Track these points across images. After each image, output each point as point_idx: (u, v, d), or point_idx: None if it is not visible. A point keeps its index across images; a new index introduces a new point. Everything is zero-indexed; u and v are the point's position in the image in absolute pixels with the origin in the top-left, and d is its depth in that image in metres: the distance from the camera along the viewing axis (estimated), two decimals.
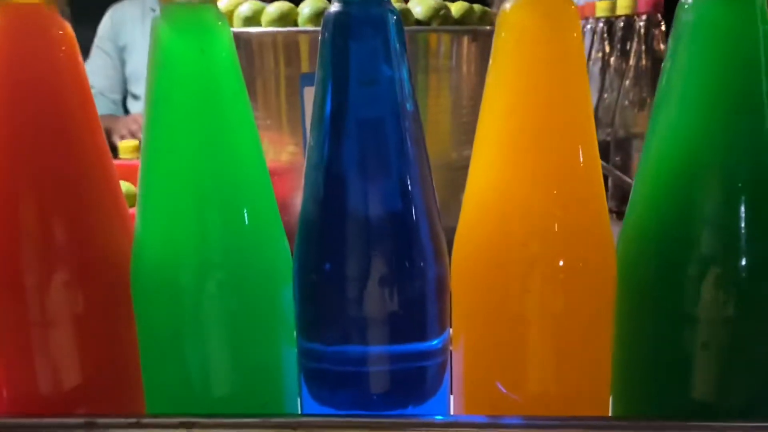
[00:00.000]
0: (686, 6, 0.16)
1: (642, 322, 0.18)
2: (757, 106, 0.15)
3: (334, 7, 0.16)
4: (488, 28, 0.37)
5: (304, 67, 0.34)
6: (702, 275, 0.16)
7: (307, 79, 0.32)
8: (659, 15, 0.47)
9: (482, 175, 0.17)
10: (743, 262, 0.15)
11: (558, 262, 0.16)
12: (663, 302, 0.17)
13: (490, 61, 0.17)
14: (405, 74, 0.16)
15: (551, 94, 0.16)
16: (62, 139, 0.16)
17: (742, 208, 0.15)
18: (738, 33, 0.16)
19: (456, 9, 0.36)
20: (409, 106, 0.17)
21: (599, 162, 0.17)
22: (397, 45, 0.16)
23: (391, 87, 0.16)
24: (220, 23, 0.16)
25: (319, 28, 0.16)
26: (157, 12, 0.17)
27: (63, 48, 0.16)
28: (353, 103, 0.16)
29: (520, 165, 0.17)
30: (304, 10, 0.34)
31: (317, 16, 0.34)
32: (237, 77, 0.17)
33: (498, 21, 0.17)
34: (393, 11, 0.16)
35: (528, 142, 0.16)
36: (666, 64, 0.17)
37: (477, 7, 0.38)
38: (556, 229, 0.16)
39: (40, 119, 0.16)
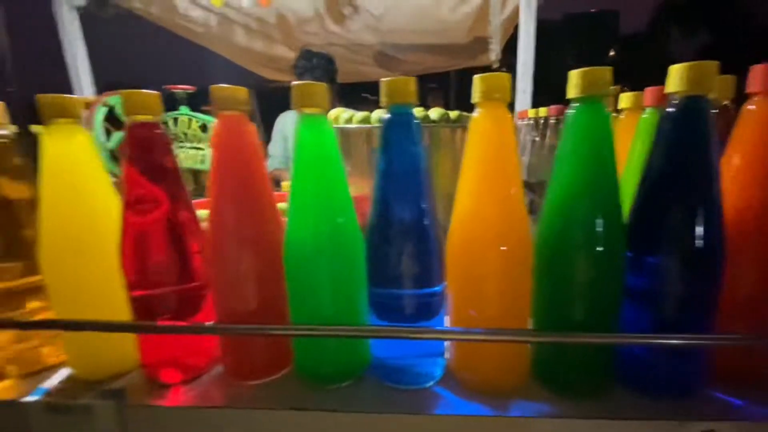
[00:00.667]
0: (567, 113, 0.32)
1: (541, 279, 0.34)
2: (598, 174, 0.31)
3: (385, 116, 0.33)
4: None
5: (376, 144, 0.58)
6: (565, 253, 0.32)
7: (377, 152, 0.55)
8: (562, 117, 0.82)
9: (460, 203, 0.34)
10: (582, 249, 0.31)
11: (500, 247, 0.32)
12: (551, 268, 0.33)
13: (467, 143, 0.33)
14: (422, 149, 0.33)
15: (499, 160, 0.32)
16: (255, 187, 0.34)
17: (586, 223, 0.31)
18: (589, 129, 0.31)
19: (452, 115, 0.64)
20: (424, 165, 0.33)
21: (522, 194, 0.33)
22: (418, 135, 0.32)
23: (416, 155, 0.33)
24: (329, 125, 0.33)
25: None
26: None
27: (253, 141, 0.33)
28: (396, 163, 0.33)
29: (480, 197, 0.33)
30: (374, 115, 0.63)
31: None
32: (336, 153, 0.33)
33: (470, 122, 0.33)
34: (414, 117, 0.33)
35: (485, 185, 0.32)
36: (558, 144, 0.33)
37: (465, 113, 0.65)
38: (498, 229, 0.32)
39: (246, 179, 0.33)
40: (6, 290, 0.36)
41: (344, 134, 0.63)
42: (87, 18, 1.43)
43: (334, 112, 0.70)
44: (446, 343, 0.38)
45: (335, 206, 0.34)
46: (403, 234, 0.33)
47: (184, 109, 0.98)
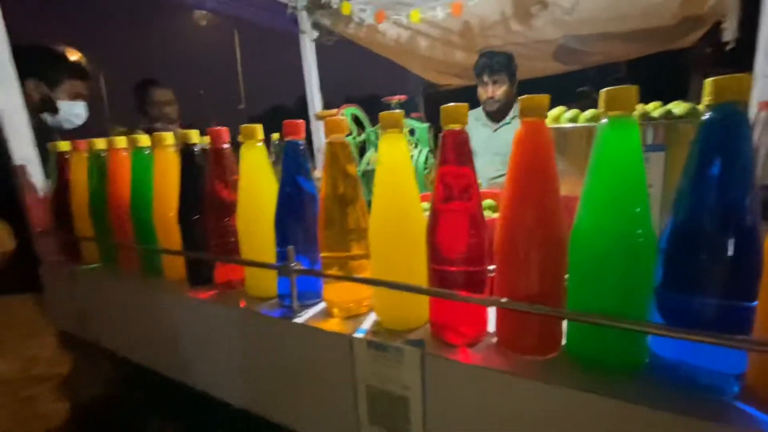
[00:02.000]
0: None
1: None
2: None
3: (710, 114, 0.32)
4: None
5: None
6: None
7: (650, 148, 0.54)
8: None
9: None
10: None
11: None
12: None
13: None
14: (751, 152, 0.31)
15: None
16: (549, 183, 0.38)
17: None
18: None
19: (677, 107, 0.61)
20: (750, 168, 0.31)
21: None
22: (748, 137, 0.31)
23: (745, 157, 0.31)
24: (636, 128, 0.35)
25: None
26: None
27: (550, 145, 0.38)
28: (721, 165, 0.32)
29: None
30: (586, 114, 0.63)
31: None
32: (640, 156, 0.35)
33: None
34: (746, 117, 0.31)
35: None
36: None
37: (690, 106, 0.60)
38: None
39: (548, 178, 0.38)
40: (343, 255, 0.50)
41: (563, 134, 0.64)
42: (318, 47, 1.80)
43: (555, 111, 0.71)
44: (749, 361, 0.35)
45: (633, 205, 0.35)
46: (719, 237, 0.32)
47: None
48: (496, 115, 1.63)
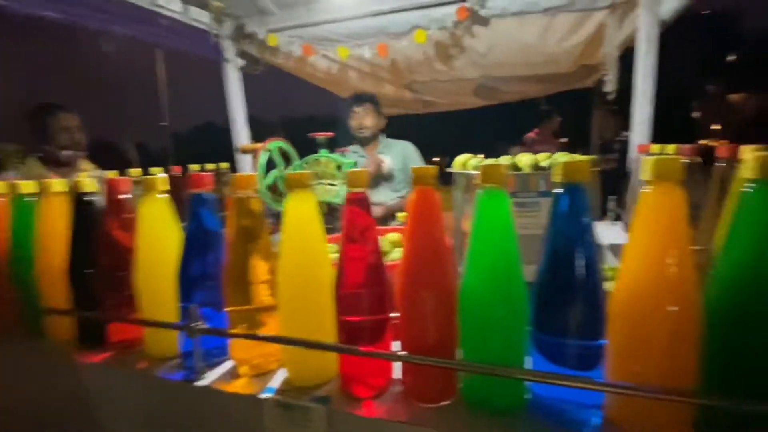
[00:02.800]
0: (744, 192, 0.34)
1: (712, 342, 0.35)
2: None
3: (559, 190, 0.38)
4: (594, 169, 0.66)
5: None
6: (740, 318, 0.33)
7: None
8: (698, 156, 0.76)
9: (629, 266, 0.37)
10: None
11: (668, 307, 0.35)
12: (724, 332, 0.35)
13: (637, 213, 0.37)
14: (589, 220, 0.37)
15: (671, 234, 0.35)
16: (439, 245, 0.42)
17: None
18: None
19: (541, 158, 0.66)
20: (591, 235, 0.38)
21: (693, 260, 0.35)
22: (587, 209, 0.37)
23: (585, 226, 0.38)
24: (507, 199, 0.40)
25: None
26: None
27: (439, 209, 0.42)
28: (566, 234, 0.38)
29: (653, 266, 0.36)
30: (501, 161, 0.68)
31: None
32: (511, 221, 0.40)
33: (640, 197, 0.37)
34: (586, 194, 0.38)
35: (658, 255, 0.36)
36: (731, 217, 0.35)
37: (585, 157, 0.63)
38: (667, 291, 0.35)
39: (433, 239, 0.41)
40: (248, 310, 0.49)
41: (470, 179, 0.70)
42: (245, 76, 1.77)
43: (461, 158, 0.78)
44: (605, 397, 0.41)
45: (507, 264, 0.40)
46: (570, 290, 0.38)
47: (323, 152, 1.15)
48: (366, 141, 1.76)
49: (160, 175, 0.54)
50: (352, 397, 0.45)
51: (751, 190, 0.34)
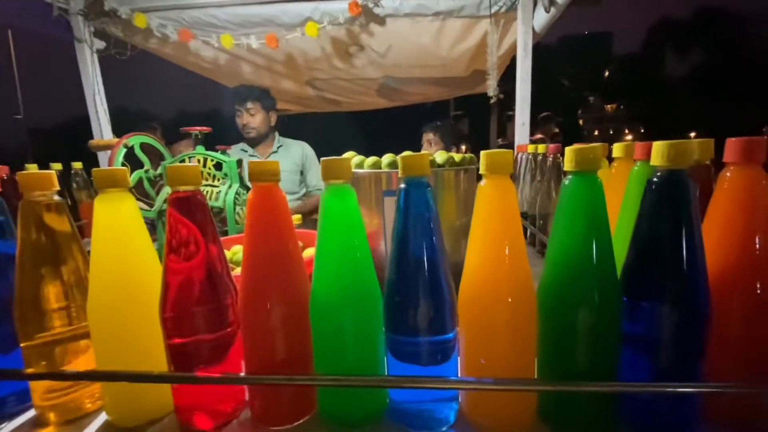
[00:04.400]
0: (564, 183, 0.36)
1: (544, 329, 0.37)
2: (594, 238, 0.35)
3: (402, 186, 0.37)
4: (472, 166, 0.71)
5: (385, 186, 0.65)
6: (566, 305, 0.35)
7: (386, 193, 0.58)
8: (559, 155, 0.97)
9: (471, 261, 0.37)
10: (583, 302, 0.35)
11: (506, 299, 0.36)
12: (553, 318, 0.36)
13: (475, 207, 0.37)
14: (435, 214, 0.37)
15: (503, 225, 0.36)
16: (285, 248, 0.37)
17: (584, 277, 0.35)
18: (585, 201, 0.35)
19: (457, 158, 0.71)
20: (437, 227, 0.37)
21: (525, 252, 0.37)
22: (431, 202, 0.36)
23: (430, 219, 0.36)
24: (353, 193, 0.37)
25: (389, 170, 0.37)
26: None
27: (284, 207, 0.37)
28: (412, 228, 0.37)
29: (488, 257, 0.36)
30: (384, 160, 0.68)
31: (389, 165, 0.68)
32: (359, 217, 0.37)
33: (477, 190, 0.37)
34: (428, 187, 0.37)
35: (492, 247, 0.36)
36: (557, 209, 0.37)
37: (467, 155, 0.71)
38: (505, 285, 0.36)
39: (277, 241, 0.37)
40: (51, 340, 0.39)
41: (354, 178, 0.68)
42: (106, 58, 1.51)
43: (352, 158, 0.75)
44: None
45: (356, 266, 0.37)
46: (418, 287, 0.36)
47: (200, 149, 1.03)
48: (255, 142, 1.69)
49: None
50: (192, 430, 0.39)
51: (568, 182, 0.36)
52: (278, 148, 1.71)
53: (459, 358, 0.39)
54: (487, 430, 0.38)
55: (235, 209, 1.01)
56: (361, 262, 0.37)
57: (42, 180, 0.39)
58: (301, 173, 1.76)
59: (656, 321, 0.34)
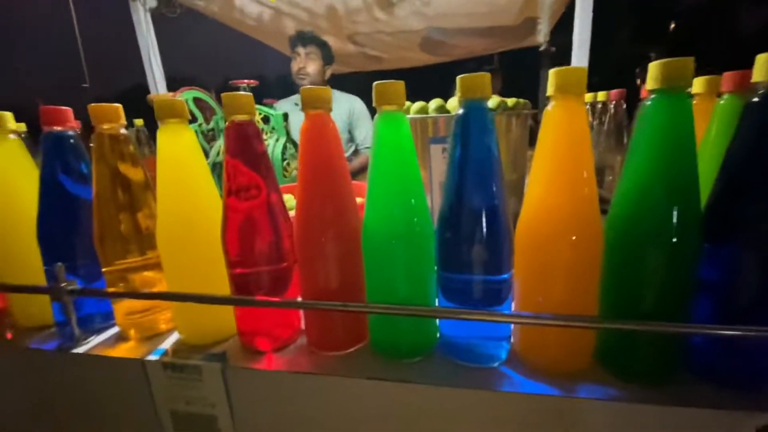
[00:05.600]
0: (644, 103, 0.32)
1: (610, 268, 0.34)
2: (678, 166, 0.31)
3: (461, 110, 0.34)
4: (525, 111, 0.67)
5: (431, 133, 0.63)
6: (637, 244, 0.32)
7: (432, 140, 0.59)
8: (623, 101, 0.87)
9: (532, 193, 0.35)
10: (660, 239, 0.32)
11: (570, 237, 0.33)
12: (622, 257, 0.34)
13: (540, 134, 0.34)
14: (495, 141, 0.34)
15: (573, 153, 0.33)
16: (338, 178, 0.37)
17: (665, 212, 0.32)
18: (670, 122, 0.31)
19: (509, 102, 0.66)
20: (497, 157, 0.34)
21: (595, 186, 0.34)
22: (492, 128, 0.34)
23: (490, 148, 0.34)
24: (405, 120, 0.36)
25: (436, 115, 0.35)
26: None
27: (336, 137, 0.37)
28: (470, 155, 0.35)
29: (554, 189, 0.34)
30: (431, 105, 0.66)
31: (437, 110, 0.66)
32: (412, 146, 0.36)
33: (544, 114, 0.34)
34: (488, 111, 0.34)
35: (559, 177, 0.34)
36: (635, 134, 0.33)
37: (521, 100, 0.67)
38: (570, 220, 0.33)
39: (330, 171, 0.37)
40: (128, 267, 0.43)
41: (413, 122, 0.66)
42: (158, 18, 1.55)
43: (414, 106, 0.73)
44: (512, 328, 0.40)
45: (409, 196, 0.36)
46: (475, 221, 0.35)
47: None
48: None
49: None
50: (252, 351, 0.41)
51: (650, 102, 0.32)
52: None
53: (513, 301, 0.38)
54: (540, 369, 0.37)
55: (282, 162, 1.03)
56: (413, 192, 0.36)
57: (110, 112, 0.40)
58: (349, 132, 1.73)
59: (743, 266, 0.31)
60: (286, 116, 1.07)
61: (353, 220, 0.38)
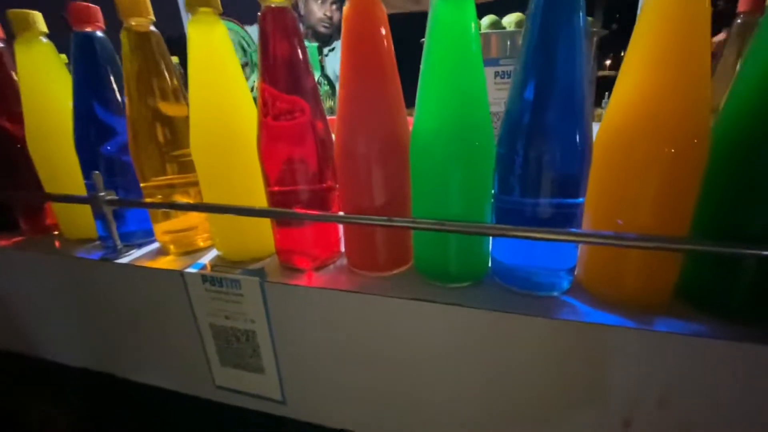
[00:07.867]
0: None
1: (714, 182, 0.28)
2: None
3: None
4: None
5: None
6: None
7: (485, 63, 0.52)
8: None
9: (621, 91, 0.29)
10: None
11: (671, 141, 0.27)
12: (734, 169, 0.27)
13: (641, 16, 0.27)
14: (582, 43, 0.28)
15: (680, 40, 0.26)
16: (393, 76, 0.32)
17: None
18: None
19: None
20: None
21: (709, 84, 0.27)
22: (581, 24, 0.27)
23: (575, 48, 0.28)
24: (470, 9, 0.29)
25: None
26: None
27: (385, 27, 0.31)
28: (550, 21, 0.28)
29: (653, 85, 0.27)
30: (484, 22, 0.60)
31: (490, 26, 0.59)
32: (472, 42, 0.30)
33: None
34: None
35: (662, 62, 0.27)
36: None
37: None
38: (669, 118, 0.27)
39: (384, 63, 0.32)
40: (166, 184, 0.41)
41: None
42: None
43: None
44: (578, 256, 0.35)
45: (468, 92, 0.31)
46: (547, 133, 0.29)
47: None
48: (323, 38, 1.41)
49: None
50: (291, 269, 0.40)
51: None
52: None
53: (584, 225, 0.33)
54: (610, 303, 0.32)
55: None
56: (473, 88, 0.31)
57: (137, 5, 0.37)
58: None
59: None
60: (320, 50, 1.01)
61: (401, 127, 0.34)
